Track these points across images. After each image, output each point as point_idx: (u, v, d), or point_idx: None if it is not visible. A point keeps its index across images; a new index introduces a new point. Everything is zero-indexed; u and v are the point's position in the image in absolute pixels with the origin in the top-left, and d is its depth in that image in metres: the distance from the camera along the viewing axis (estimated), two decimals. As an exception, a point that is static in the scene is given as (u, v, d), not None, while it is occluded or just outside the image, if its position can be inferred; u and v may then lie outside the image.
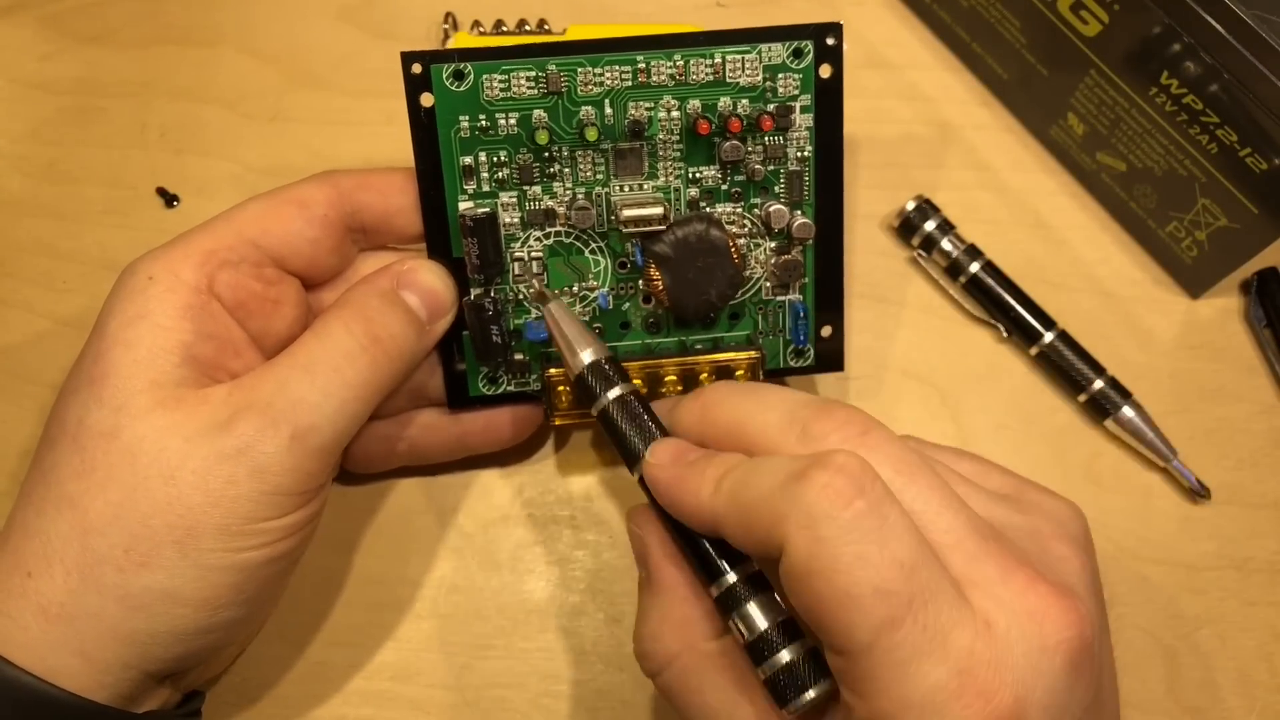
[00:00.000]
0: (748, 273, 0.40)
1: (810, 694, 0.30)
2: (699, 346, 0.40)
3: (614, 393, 0.34)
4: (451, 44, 0.49)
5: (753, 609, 0.31)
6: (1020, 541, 0.30)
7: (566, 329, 0.36)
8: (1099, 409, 0.44)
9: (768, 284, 0.40)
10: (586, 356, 0.35)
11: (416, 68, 0.36)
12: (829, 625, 0.28)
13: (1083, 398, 0.44)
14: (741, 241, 0.39)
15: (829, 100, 0.38)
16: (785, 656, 0.30)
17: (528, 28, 0.49)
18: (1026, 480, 0.34)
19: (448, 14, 0.50)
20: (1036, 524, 0.32)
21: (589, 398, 0.35)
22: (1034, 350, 0.45)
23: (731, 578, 0.32)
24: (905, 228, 0.47)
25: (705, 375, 0.39)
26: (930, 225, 0.46)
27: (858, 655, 0.27)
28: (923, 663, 0.27)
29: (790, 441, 0.31)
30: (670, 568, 0.34)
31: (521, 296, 0.39)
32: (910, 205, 0.47)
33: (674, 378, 0.38)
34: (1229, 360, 0.46)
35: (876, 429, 0.31)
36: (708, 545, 0.32)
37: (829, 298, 0.41)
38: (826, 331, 0.41)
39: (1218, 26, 0.39)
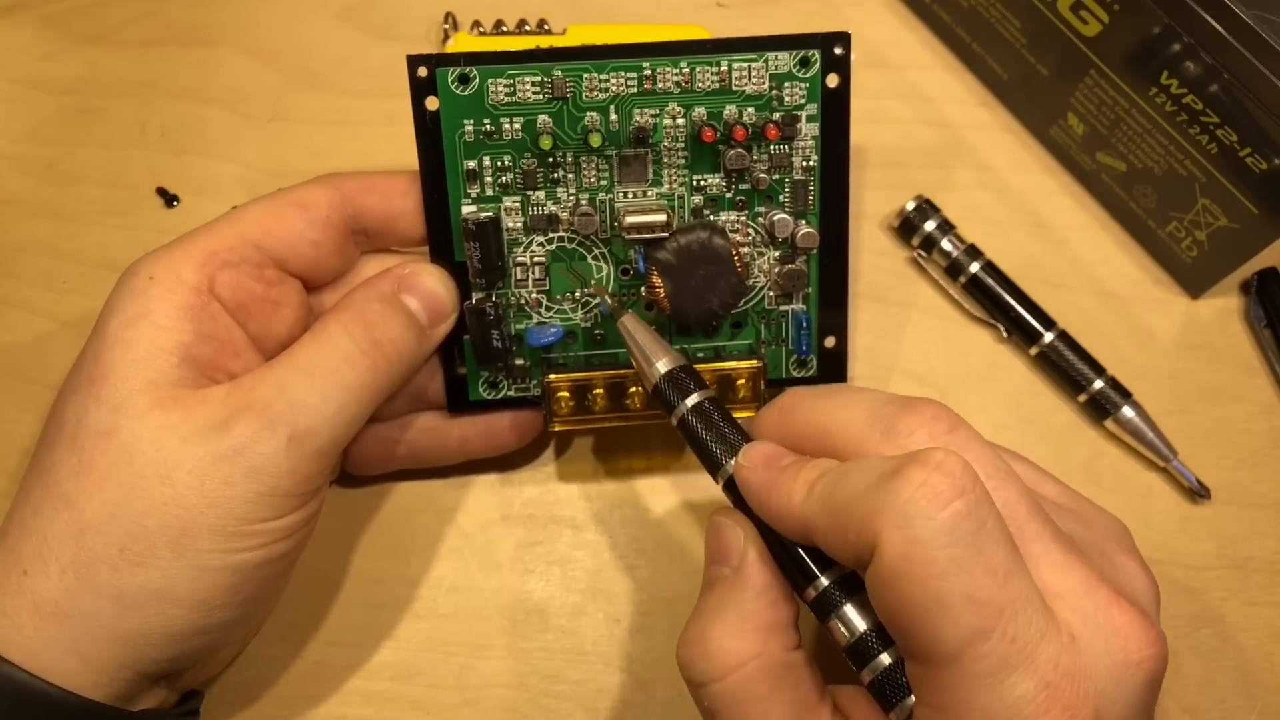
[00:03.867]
0: (751, 281, 0.40)
1: (913, 699, 0.29)
2: (701, 355, 0.40)
3: (691, 400, 0.34)
4: (452, 44, 0.49)
5: (851, 611, 0.30)
6: (1091, 555, 0.30)
7: (641, 340, 0.35)
8: (1099, 409, 0.44)
9: (771, 293, 0.40)
10: (662, 366, 0.34)
11: (422, 71, 0.36)
12: (915, 631, 0.27)
13: (1083, 398, 0.44)
14: (745, 250, 0.39)
15: (835, 110, 0.38)
16: (886, 659, 0.29)
17: (528, 28, 0.49)
18: (1075, 491, 0.34)
19: (448, 14, 0.50)
20: (1100, 539, 0.31)
21: (667, 407, 0.34)
22: (1034, 350, 0.45)
23: (827, 579, 0.31)
24: (905, 228, 0.47)
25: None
26: (930, 225, 0.46)
27: (942, 664, 0.27)
28: (1010, 675, 0.26)
29: (875, 439, 0.30)
30: (764, 568, 0.32)
31: (523, 302, 0.39)
32: (910, 205, 0.47)
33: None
34: (1229, 360, 0.46)
35: (964, 426, 0.30)
36: (801, 549, 0.31)
37: (833, 308, 0.40)
38: (830, 342, 0.41)
39: (1218, 26, 0.39)
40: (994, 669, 0.26)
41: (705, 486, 0.43)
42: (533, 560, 0.42)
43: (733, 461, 0.33)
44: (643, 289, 0.39)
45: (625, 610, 0.42)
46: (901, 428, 0.30)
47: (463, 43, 0.49)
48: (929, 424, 0.30)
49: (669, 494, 0.43)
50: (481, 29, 0.49)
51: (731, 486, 0.33)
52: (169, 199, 0.48)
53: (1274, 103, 0.39)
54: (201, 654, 0.34)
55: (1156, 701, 0.29)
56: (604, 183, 0.38)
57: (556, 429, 0.39)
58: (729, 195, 0.39)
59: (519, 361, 0.40)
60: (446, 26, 0.50)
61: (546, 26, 0.49)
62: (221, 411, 0.32)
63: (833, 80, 0.38)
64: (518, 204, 0.38)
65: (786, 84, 0.38)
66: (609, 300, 0.38)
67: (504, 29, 0.49)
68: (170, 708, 0.35)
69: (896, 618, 0.27)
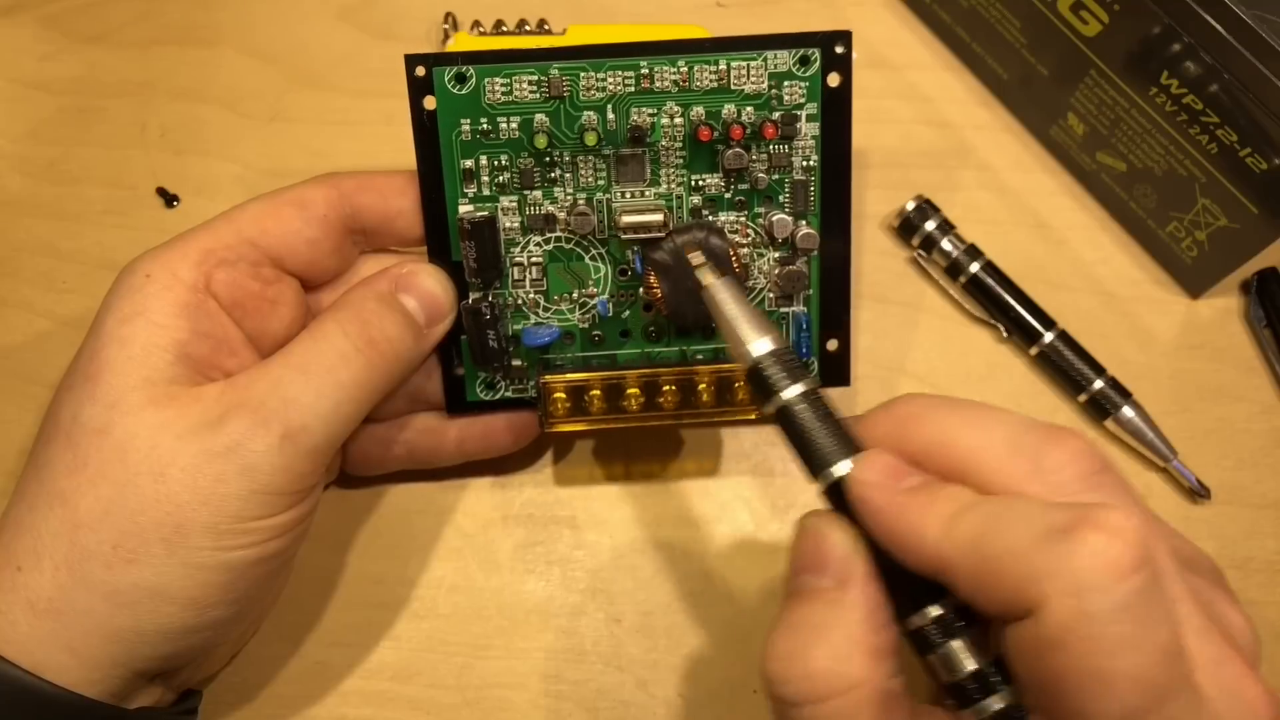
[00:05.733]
0: (750, 283, 0.40)
1: None
2: (699, 356, 0.40)
3: (798, 388, 0.29)
4: (451, 44, 0.49)
5: (960, 647, 0.28)
6: (1205, 606, 0.28)
7: (737, 312, 0.31)
8: (1099, 409, 0.44)
9: (771, 294, 0.40)
10: (764, 345, 0.30)
11: (420, 70, 0.36)
12: (1065, 702, 0.25)
13: (1083, 398, 0.44)
14: (744, 251, 0.39)
15: (836, 109, 0.38)
16: (996, 704, 0.27)
17: (528, 28, 0.49)
18: (1172, 527, 0.32)
19: (448, 14, 0.50)
20: (1208, 585, 0.29)
21: (765, 393, 0.30)
22: (1034, 350, 0.45)
23: (940, 609, 0.28)
24: (905, 228, 0.47)
25: (704, 385, 0.38)
26: (930, 225, 0.46)
27: None
28: None
29: (1021, 473, 0.27)
30: (875, 588, 0.29)
31: (521, 302, 0.39)
32: (910, 205, 0.47)
33: (671, 387, 0.38)
34: (1229, 360, 0.46)
35: (1110, 467, 0.28)
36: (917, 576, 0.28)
37: (834, 310, 0.40)
38: (832, 345, 0.40)
39: (1218, 26, 0.39)
40: None
41: (706, 487, 0.43)
42: (533, 560, 0.42)
43: (843, 465, 0.29)
44: (640, 289, 0.39)
45: (625, 610, 0.42)
46: (1050, 463, 0.27)
47: (462, 43, 0.49)
48: (1076, 461, 0.27)
49: (668, 495, 0.43)
50: (481, 29, 0.49)
51: (835, 492, 0.29)
52: (169, 199, 0.48)
53: (1274, 103, 0.39)
54: (196, 652, 0.34)
55: None
56: (601, 182, 0.38)
57: (557, 429, 0.39)
58: (728, 195, 0.39)
59: (516, 362, 0.40)
60: (446, 26, 0.50)
61: (546, 26, 0.49)
62: (216, 409, 0.32)
63: (834, 80, 0.38)
64: (515, 204, 0.38)
65: (786, 83, 0.38)
66: (695, 261, 0.34)
67: (504, 29, 0.49)
68: (168, 706, 0.35)
69: (1046, 684, 0.25)
